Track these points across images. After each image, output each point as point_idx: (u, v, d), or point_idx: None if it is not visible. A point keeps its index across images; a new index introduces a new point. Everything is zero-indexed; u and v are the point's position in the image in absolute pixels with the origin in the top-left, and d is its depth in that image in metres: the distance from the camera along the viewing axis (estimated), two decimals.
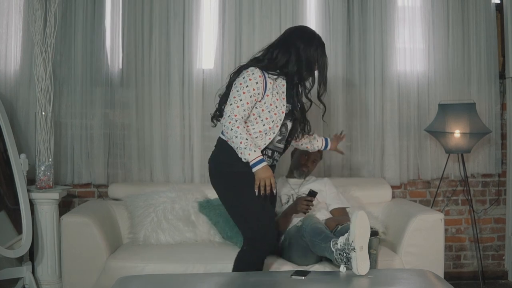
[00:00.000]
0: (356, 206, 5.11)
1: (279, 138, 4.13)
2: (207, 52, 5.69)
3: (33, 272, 4.94)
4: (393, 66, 5.76)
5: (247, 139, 3.86)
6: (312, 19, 5.74)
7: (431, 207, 5.70)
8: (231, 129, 3.87)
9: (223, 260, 4.47)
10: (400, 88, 5.77)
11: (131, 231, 5.00)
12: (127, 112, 5.65)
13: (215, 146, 4.25)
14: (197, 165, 5.63)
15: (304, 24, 5.51)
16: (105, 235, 4.68)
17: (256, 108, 3.96)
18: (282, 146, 4.22)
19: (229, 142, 3.96)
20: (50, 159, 5.12)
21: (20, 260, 4.90)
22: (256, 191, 3.92)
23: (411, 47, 5.80)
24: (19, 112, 5.48)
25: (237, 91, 3.93)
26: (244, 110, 3.91)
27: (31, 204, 4.94)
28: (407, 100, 5.79)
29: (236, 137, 3.86)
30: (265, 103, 3.96)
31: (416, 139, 5.82)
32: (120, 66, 5.66)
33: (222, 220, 4.86)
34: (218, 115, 4.23)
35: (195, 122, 5.64)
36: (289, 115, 4.14)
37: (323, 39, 5.39)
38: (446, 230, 5.65)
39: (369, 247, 4.09)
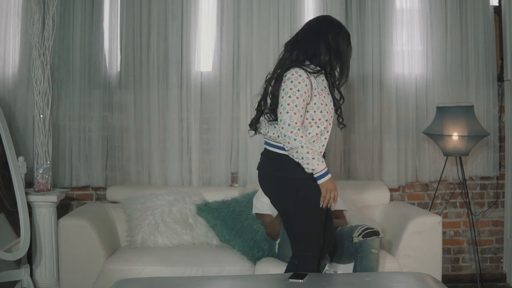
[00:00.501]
0: (353, 209, 5.12)
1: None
2: (205, 54, 5.70)
3: (31, 274, 4.93)
4: (391, 68, 5.77)
5: (312, 149, 3.70)
6: None
7: (429, 210, 5.71)
8: (295, 139, 3.67)
9: (221, 263, 4.51)
10: (398, 90, 5.77)
11: (128, 234, 5.00)
12: (125, 114, 5.66)
13: (265, 156, 4.07)
14: (195, 167, 5.65)
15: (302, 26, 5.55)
16: (103, 238, 4.68)
17: (308, 111, 3.79)
18: None
19: (290, 152, 3.74)
20: (48, 162, 5.12)
21: (18, 263, 4.89)
22: (321, 203, 3.79)
23: (409, 49, 5.80)
24: (17, 114, 5.49)
25: (290, 97, 3.71)
26: (301, 116, 3.73)
27: (29, 207, 4.94)
28: (405, 103, 5.78)
29: (302, 147, 3.67)
30: (315, 103, 3.79)
31: (414, 142, 5.81)
32: (118, 69, 5.67)
33: (220, 223, 4.87)
34: (255, 123, 4.08)
35: (193, 125, 5.64)
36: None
37: None
38: (444, 232, 5.67)
39: (371, 247, 4.19)
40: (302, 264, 3.87)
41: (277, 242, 4.67)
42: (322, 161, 3.74)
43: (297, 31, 4.06)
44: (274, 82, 3.86)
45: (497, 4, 5.96)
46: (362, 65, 5.75)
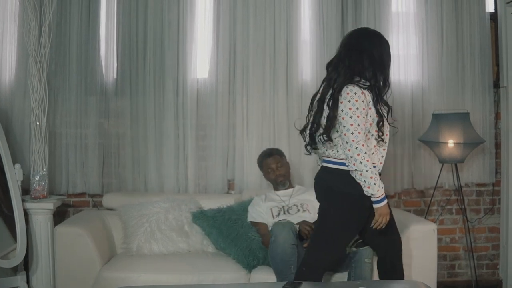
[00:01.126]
0: None
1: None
2: (202, 61, 5.71)
3: (28, 281, 4.94)
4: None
5: (375, 173, 3.77)
6: (306, 28, 5.76)
7: (425, 217, 5.73)
8: (361, 162, 3.71)
9: (216, 270, 4.53)
10: (394, 97, 5.68)
11: (124, 241, 5.01)
12: (122, 121, 5.66)
13: (327, 173, 4.03)
14: (192, 174, 5.66)
15: (298, 32, 5.68)
16: (99, 245, 4.70)
17: (364, 125, 3.81)
18: None
19: (353, 173, 3.78)
20: (44, 169, 5.12)
21: (15, 270, 4.90)
22: (373, 225, 3.88)
23: (405, 56, 5.82)
24: (14, 122, 5.49)
25: (351, 117, 3.73)
26: (364, 133, 3.78)
27: (26, 214, 4.95)
28: (401, 110, 5.77)
29: (367, 171, 3.72)
30: (370, 116, 3.82)
31: (410, 149, 5.82)
32: (115, 76, 5.67)
33: (215, 231, 4.88)
34: (311, 143, 4.10)
35: (190, 132, 5.65)
36: None
37: (316, 48, 5.52)
38: (440, 239, 5.77)
39: (364, 257, 4.21)
40: (309, 272, 3.94)
41: None
42: (382, 187, 3.80)
43: (338, 48, 4.06)
44: (331, 104, 3.84)
45: (493, 11, 5.97)
46: None
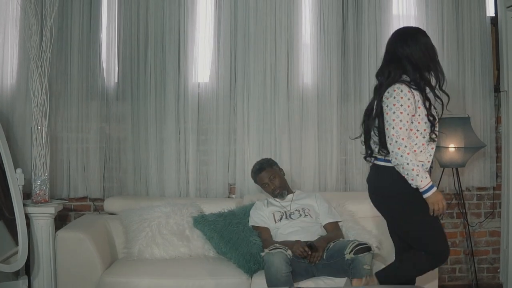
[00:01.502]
0: (350, 220, 5.12)
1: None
2: (203, 66, 5.75)
3: (29, 286, 4.96)
4: None
5: (417, 165, 3.81)
6: (307, 33, 5.78)
7: None
8: (401, 156, 3.80)
9: (218, 276, 4.54)
10: None
11: (126, 245, 5.02)
12: (123, 126, 5.70)
13: (377, 172, 4.17)
14: (193, 179, 5.68)
15: (299, 36, 5.72)
16: (100, 250, 4.72)
17: (413, 123, 3.88)
18: None
19: (397, 167, 3.88)
20: (46, 174, 5.14)
21: (16, 274, 4.92)
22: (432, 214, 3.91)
23: None
24: (16, 126, 5.52)
25: (394, 112, 3.82)
26: (406, 129, 3.83)
27: (27, 218, 4.95)
28: None
29: (408, 163, 3.80)
30: (419, 115, 3.90)
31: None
32: (116, 80, 5.71)
33: (217, 236, 4.87)
34: (371, 153, 4.15)
35: (191, 136, 5.67)
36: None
37: (317, 52, 5.56)
38: None
39: (363, 263, 4.18)
40: (433, 261, 4.13)
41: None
42: (426, 177, 3.83)
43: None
44: (380, 113, 3.96)
45: (494, 15, 5.99)
46: (359, 77, 5.78)
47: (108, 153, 5.70)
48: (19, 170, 5.00)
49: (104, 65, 5.68)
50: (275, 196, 5.10)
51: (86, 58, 5.62)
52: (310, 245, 4.48)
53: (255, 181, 5.23)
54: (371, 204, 5.40)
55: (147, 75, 5.65)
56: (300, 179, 5.71)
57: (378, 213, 5.28)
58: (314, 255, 4.44)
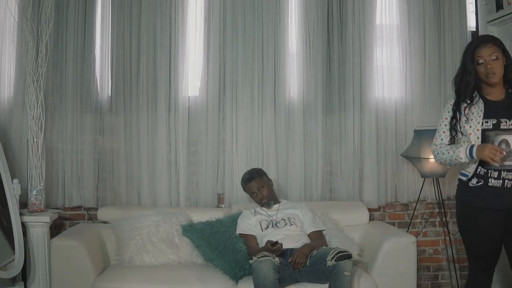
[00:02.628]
0: (333, 228, 5.25)
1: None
2: (193, 80, 5.89)
3: None
4: (371, 93, 5.93)
5: (449, 149, 4.12)
6: (293, 48, 5.93)
7: (408, 229, 5.85)
8: (437, 154, 4.25)
9: (205, 282, 4.67)
10: (378, 114, 5.91)
11: (117, 253, 5.14)
12: (116, 137, 5.82)
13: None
14: (183, 189, 5.81)
15: (286, 52, 5.85)
16: (93, 257, 4.84)
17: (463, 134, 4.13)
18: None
19: (448, 165, 4.31)
20: (41, 184, 5.25)
21: (13, 280, 5.04)
22: (495, 163, 3.84)
23: (388, 75, 5.97)
24: (12, 138, 5.63)
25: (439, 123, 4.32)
26: (442, 139, 4.24)
27: (24, 226, 5.06)
28: (385, 126, 5.94)
29: (443, 154, 4.18)
30: (463, 127, 4.14)
31: (394, 163, 5.96)
32: (109, 94, 5.83)
33: (204, 243, 5.00)
34: None
35: (181, 148, 5.80)
36: (505, 130, 3.99)
37: (303, 67, 5.73)
38: (424, 251, 5.93)
39: (343, 269, 4.30)
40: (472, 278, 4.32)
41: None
42: (459, 147, 4.06)
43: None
44: None
45: (474, 30, 6.10)
46: (343, 90, 5.91)
47: (102, 164, 5.81)
48: (16, 181, 5.11)
49: (98, 79, 5.80)
50: (262, 205, 5.24)
51: (80, 72, 5.74)
52: (274, 243, 4.65)
53: (244, 190, 5.37)
54: (355, 213, 5.59)
55: (139, 89, 5.78)
56: (287, 189, 5.83)
57: (361, 222, 5.50)
58: (298, 262, 4.57)
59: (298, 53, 5.92)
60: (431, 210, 6.08)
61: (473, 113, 4.09)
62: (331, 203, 5.80)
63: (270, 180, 5.43)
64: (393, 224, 5.99)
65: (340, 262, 4.34)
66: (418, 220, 6.10)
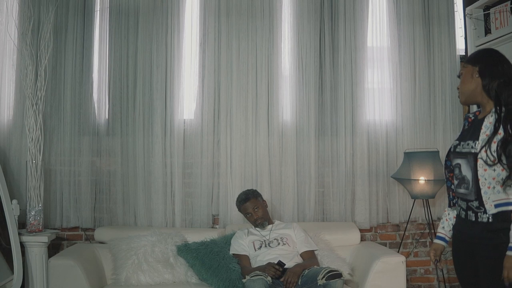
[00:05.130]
0: (325, 249, 5.33)
1: (456, 182, 3.58)
2: (188, 103, 5.98)
3: None
4: (363, 116, 6.03)
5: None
6: (286, 72, 6.04)
7: (399, 249, 5.93)
8: None
9: None
10: (370, 136, 6.03)
11: (114, 272, 5.19)
12: (113, 159, 5.89)
13: None
14: (178, 210, 5.86)
15: (279, 76, 5.94)
16: (90, 276, 4.89)
17: None
18: (463, 191, 3.50)
19: None
20: (40, 205, 5.30)
21: None
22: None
23: (379, 98, 6.08)
24: (12, 160, 5.71)
25: None
26: None
27: (22, 246, 5.12)
28: (376, 148, 6.03)
29: None
30: None
31: (385, 185, 6.04)
32: (107, 117, 5.92)
33: (198, 263, 5.05)
34: None
35: (177, 170, 5.86)
36: (459, 154, 3.54)
37: (296, 91, 5.83)
38: (415, 271, 6.00)
39: None
40: None
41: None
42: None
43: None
44: None
45: (464, 54, 6.18)
46: (336, 113, 6.02)
47: (99, 186, 5.87)
48: (14, 201, 5.19)
49: (96, 102, 5.89)
50: (256, 226, 5.31)
51: (78, 95, 5.85)
52: (279, 263, 4.72)
53: (239, 210, 5.43)
54: (346, 233, 5.62)
55: (136, 112, 5.87)
56: (280, 210, 5.89)
57: (352, 242, 5.56)
58: (290, 282, 4.64)
59: (291, 76, 6.02)
60: (422, 231, 6.14)
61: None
62: (323, 224, 5.86)
63: (265, 201, 5.50)
64: (385, 244, 6.05)
65: (331, 281, 4.41)
66: (409, 241, 6.16)
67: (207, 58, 5.95)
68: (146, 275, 5.09)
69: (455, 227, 3.67)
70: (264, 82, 5.95)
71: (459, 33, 6.25)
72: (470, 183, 3.41)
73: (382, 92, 6.11)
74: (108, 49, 5.94)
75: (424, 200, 5.84)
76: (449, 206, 3.76)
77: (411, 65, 6.09)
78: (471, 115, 3.68)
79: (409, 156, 5.70)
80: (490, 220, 3.31)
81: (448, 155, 3.70)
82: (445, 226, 3.78)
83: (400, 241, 6.06)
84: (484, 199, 3.33)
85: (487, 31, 5.74)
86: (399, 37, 6.10)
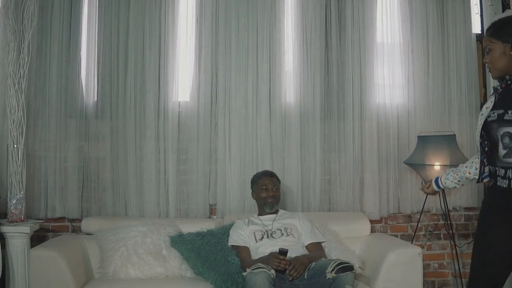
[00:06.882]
0: (333, 240, 5.05)
1: (504, 152, 3.52)
2: (183, 84, 5.75)
3: None
4: (372, 98, 5.80)
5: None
6: (289, 50, 5.80)
7: (412, 242, 5.65)
8: None
9: None
10: (380, 120, 5.80)
11: (101, 265, 4.90)
12: (102, 145, 5.66)
13: None
14: (173, 199, 5.63)
15: (282, 53, 5.73)
16: (74, 270, 4.59)
17: None
18: None
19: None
20: (22, 192, 5.09)
21: None
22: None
23: (390, 78, 5.85)
24: None
25: None
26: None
27: (3, 237, 4.94)
28: (386, 132, 5.81)
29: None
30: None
31: (396, 172, 5.81)
32: (95, 98, 5.69)
33: (194, 255, 4.76)
34: None
35: (171, 155, 5.63)
36: (509, 122, 3.49)
37: (300, 70, 5.64)
38: (428, 265, 5.77)
39: (345, 283, 4.06)
40: None
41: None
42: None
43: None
44: None
45: (479, 32, 6.00)
46: (342, 95, 5.78)
47: (87, 173, 5.65)
48: None
49: (83, 83, 5.66)
50: (265, 204, 5.05)
51: (65, 75, 5.61)
52: (281, 251, 4.40)
53: (254, 183, 5.18)
54: (355, 224, 5.43)
55: (126, 93, 5.64)
56: (283, 199, 5.59)
57: (362, 234, 5.36)
58: (293, 269, 4.35)
59: (294, 55, 5.80)
60: (436, 222, 5.90)
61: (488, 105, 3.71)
62: (330, 214, 5.63)
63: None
64: (396, 236, 5.81)
65: (341, 274, 4.10)
66: (422, 233, 5.92)
67: (204, 35, 5.71)
68: (135, 268, 4.79)
69: (499, 201, 3.60)
70: (266, 61, 5.71)
71: (474, 10, 6.06)
72: None
73: (393, 73, 5.87)
74: (97, 25, 5.70)
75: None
76: (478, 182, 3.82)
77: (424, 44, 5.88)
78: (498, 87, 3.65)
79: (423, 140, 5.50)
80: None
81: (486, 127, 3.61)
82: (450, 178, 4.08)
83: (413, 233, 5.81)
84: None
85: (505, 6, 5.59)
86: (411, 15, 5.90)
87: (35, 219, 5.39)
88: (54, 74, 5.59)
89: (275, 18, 5.73)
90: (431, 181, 4.22)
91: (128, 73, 5.64)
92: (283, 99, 5.75)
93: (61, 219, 5.63)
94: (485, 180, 3.71)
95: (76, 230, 5.60)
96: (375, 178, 5.75)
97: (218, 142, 5.68)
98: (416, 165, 5.47)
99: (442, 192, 5.53)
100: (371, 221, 5.55)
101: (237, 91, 5.68)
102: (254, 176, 5.24)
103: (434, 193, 4.30)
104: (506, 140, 3.47)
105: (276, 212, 5.13)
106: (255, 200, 5.19)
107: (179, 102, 5.71)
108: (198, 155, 5.66)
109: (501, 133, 3.49)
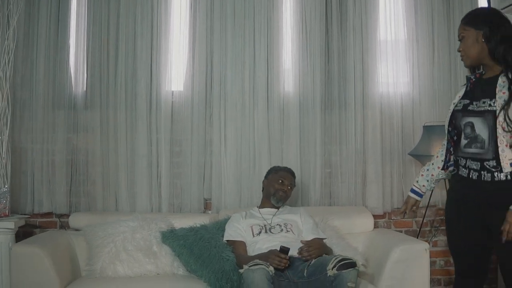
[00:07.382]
0: (334, 236, 4.88)
1: (465, 142, 3.63)
2: (177, 73, 5.64)
3: None
4: (374, 86, 5.64)
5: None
6: (288, 37, 5.66)
7: (417, 238, 5.48)
8: None
9: None
10: (383, 109, 5.65)
11: (88, 262, 4.75)
12: (91, 136, 5.55)
13: None
14: (165, 193, 5.50)
15: (280, 41, 5.61)
16: (59, 267, 4.41)
17: None
18: (476, 151, 3.57)
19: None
20: (6, 186, 4.96)
21: None
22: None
23: (393, 66, 5.69)
24: None
25: None
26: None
27: None
28: (390, 123, 5.65)
29: None
30: None
31: (400, 164, 5.65)
32: (84, 88, 5.58)
33: (186, 252, 4.59)
34: None
35: (163, 147, 5.51)
36: (472, 112, 3.60)
37: (299, 59, 5.53)
38: (434, 262, 5.60)
39: (347, 280, 3.88)
40: None
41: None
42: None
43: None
44: None
45: None
46: (344, 84, 5.63)
47: (75, 166, 5.52)
48: None
49: (72, 72, 5.55)
50: (274, 196, 4.90)
51: (53, 64, 5.49)
52: (282, 250, 4.20)
53: (273, 173, 5.04)
54: (357, 219, 5.27)
55: (117, 83, 5.52)
56: None
57: (364, 229, 5.23)
58: (306, 250, 4.28)
59: (293, 42, 5.65)
60: (442, 217, 5.67)
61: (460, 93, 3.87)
62: (331, 209, 5.47)
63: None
64: (400, 232, 5.64)
65: (343, 271, 3.90)
66: (428, 228, 5.74)
67: (198, 21, 5.58)
68: (124, 266, 4.63)
69: (459, 191, 3.78)
70: (263, 48, 5.56)
71: None
72: (486, 141, 3.51)
73: (397, 61, 5.70)
74: (86, 11, 5.58)
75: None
76: (442, 169, 3.91)
77: (429, 31, 5.71)
78: (472, 77, 3.78)
79: (429, 130, 5.29)
80: (508, 178, 3.44)
81: (453, 116, 3.77)
82: (420, 181, 4.14)
83: (418, 228, 5.63)
84: (501, 157, 3.44)
85: None
86: (416, 2, 5.73)
87: (21, 214, 5.25)
88: (41, 62, 5.47)
89: (273, 2, 5.60)
90: (406, 200, 4.25)
91: (119, 61, 5.52)
92: (282, 88, 5.62)
93: (49, 214, 5.52)
94: (450, 168, 3.83)
95: (64, 226, 5.47)
96: (378, 170, 5.60)
97: (213, 133, 5.56)
98: (422, 156, 5.27)
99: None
100: (374, 216, 5.40)
101: (233, 80, 5.54)
102: (276, 166, 5.13)
103: (415, 203, 4.25)
104: (468, 130, 3.61)
105: (277, 208, 4.99)
106: (263, 188, 5.05)
107: (172, 91, 5.59)
108: (192, 147, 5.52)
109: (463, 123, 3.64)
